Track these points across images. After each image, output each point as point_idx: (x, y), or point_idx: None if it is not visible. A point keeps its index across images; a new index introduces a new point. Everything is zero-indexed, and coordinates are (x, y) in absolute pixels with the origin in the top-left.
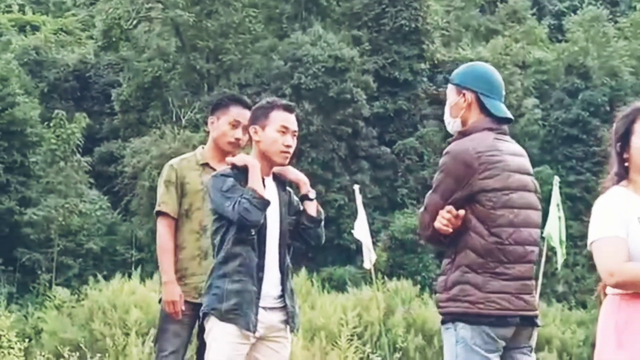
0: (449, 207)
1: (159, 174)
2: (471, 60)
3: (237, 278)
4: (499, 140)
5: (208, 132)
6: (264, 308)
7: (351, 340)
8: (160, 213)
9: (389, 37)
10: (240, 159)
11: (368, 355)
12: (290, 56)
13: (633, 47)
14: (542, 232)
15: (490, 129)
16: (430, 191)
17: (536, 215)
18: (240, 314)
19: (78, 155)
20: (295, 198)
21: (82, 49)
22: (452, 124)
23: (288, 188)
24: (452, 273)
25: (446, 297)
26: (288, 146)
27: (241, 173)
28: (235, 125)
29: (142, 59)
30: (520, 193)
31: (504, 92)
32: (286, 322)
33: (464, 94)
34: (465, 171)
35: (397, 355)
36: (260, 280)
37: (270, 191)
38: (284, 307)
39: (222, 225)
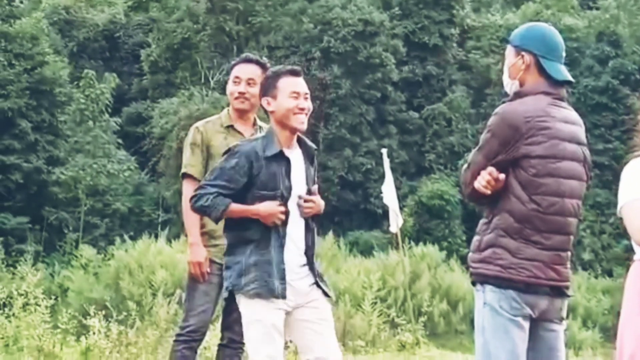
0: (490, 169)
1: (187, 135)
2: (500, 26)
3: (258, 250)
4: (553, 106)
5: None
6: (291, 281)
7: (375, 304)
8: (186, 175)
9: (419, 2)
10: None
11: (393, 319)
12: (320, 19)
13: None
14: None
15: (545, 93)
16: (475, 149)
17: (580, 186)
18: (261, 284)
19: (107, 115)
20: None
21: (112, 9)
22: (511, 86)
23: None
24: (487, 234)
25: (478, 258)
26: (302, 109)
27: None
28: (236, 81)
29: (172, 19)
30: (567, 162)
31: (564, 54)
32: (315, 283)
33: (522, 56)
34: (511, 134)
35: (422, 319)
36: (282, 250)
37: (296, 160)
38: (309, 272)
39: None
